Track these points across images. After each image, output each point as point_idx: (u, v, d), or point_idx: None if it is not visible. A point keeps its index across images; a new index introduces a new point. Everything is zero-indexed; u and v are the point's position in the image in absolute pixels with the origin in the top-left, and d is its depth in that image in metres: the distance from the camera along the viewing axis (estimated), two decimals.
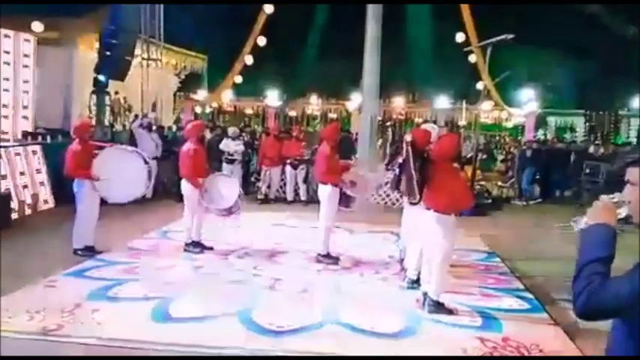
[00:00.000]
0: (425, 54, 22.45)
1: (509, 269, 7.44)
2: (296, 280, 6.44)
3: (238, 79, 26.17)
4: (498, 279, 6.91)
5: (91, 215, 7.16)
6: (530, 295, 6.27)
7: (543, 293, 6.46)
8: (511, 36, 13.83)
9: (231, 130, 12.60)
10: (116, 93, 15.77)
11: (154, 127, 12.87)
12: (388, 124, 26.65)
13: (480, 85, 19.87)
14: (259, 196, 12.41)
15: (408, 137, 5.68)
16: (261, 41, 24.30)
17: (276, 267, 7.02)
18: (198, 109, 26.38)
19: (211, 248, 7.48)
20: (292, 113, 27.93)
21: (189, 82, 23.99)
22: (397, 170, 6.01)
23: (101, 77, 12.30)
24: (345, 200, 7.23)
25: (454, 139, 5.50)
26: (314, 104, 28.13)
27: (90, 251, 7.13)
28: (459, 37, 20.70)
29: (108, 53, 11.79)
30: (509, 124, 27.46)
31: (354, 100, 22.73)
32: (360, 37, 13.84)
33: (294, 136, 13.26)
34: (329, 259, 7.19)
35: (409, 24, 22.43)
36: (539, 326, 5.36)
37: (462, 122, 24.47)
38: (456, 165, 5.85)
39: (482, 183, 15.55)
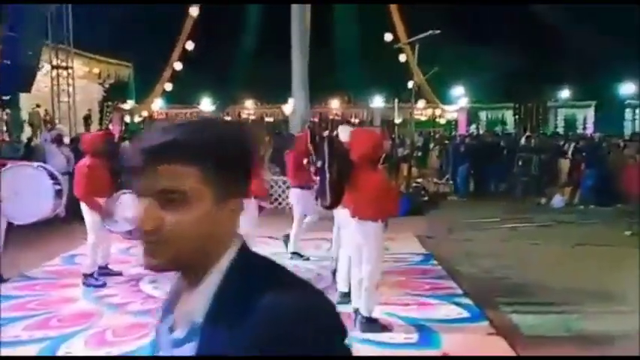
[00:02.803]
0: (353, 55, 22.25)
1: (446, 272, 6.99)
2: None
3: (168, 87, 25.25)
4: (435, 285, 6.43)
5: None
6: (469, 302, 5.80)
7: (483, 296, 6.03)
8: (437, 31, 13.70)
9: None
10: (37, 106, 14.61)
11: (66, 140, 11.83)
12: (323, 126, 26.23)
13: (411, 84, 19.75)
14: None
15: (325, 133, 5.13)
16: (190, 45, 23.48)
17: None
18: (127, 119, 25.31)
19: (120, 273, 6.62)
20: (227, 118, 27.20)
21: (115, 91, 22.86)
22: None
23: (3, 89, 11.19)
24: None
25: (374, 137, 4.95)
26: (249, 108, 27.52)
27: None
28: (388, 37, 20.52)
29: (7, 62, 10.69)
30: (443, 121, 27.71)
31: (291, 104, 22.27)
32: None
33: None
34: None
35: (336, 25, 22.18)
36: (479, 337, 4.89)
37: (398, 120, 24.45)
38: (380, 166, 5.32)
39: (419, 180, 15.32)
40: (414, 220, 10.67)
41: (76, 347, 4.67)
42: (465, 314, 5.45)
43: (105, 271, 6.57)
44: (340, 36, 22.44)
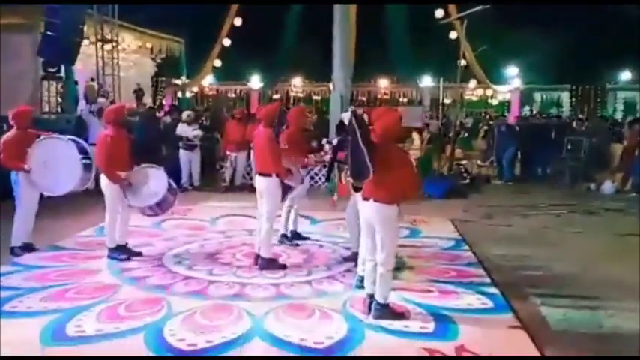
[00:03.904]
0: (402, 32, 21.65)
1: (476, 259, 6.68)
2: (229, 284, 5.63)
3: (217, 63, 25.34)
4: (462, 272, 6.14)
5: (28, 210, 6.55)
6: (495, 291, 5.51)
7: (511, 285, 5.72)
8: (487, 6, 13.13)
9: (185, 115, 11.73)
10: (92, 80, 14.85)
11: None
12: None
13: (460, 63, 19.13)
14: (223, 184, 11.62)
15: (350, 109, 4.90)
16: (238, 22, 23.39)
17: (214, 268, 6.18)
18: (179, 95, 25.62)
19: (139, 254, 6.56)
20: (276, 96, 27.15)
21: (166, 67, 23.06)
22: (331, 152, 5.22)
23: (46, 60, 11.34)
24: (284, 190, 6.45)
25: (396, 115, 4.68)
26: (297, 86, 27.36)
27: (28, 249, 6.58)
28: (438, 13, 19.80)
29: (50, 34, 10.83)
30: (495, 102, 26.80)
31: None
32: None
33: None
34: (273, 263, 6.23)
35: (386, 2, 21.60)
36: (500, 331, 4.60)
37: (447, 100, 23.77)
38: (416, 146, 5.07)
39: (464, 162, 14.87)
40: (452, 204, 10.36)
41: (86, 321, 4.66)
42: (489, 304, 5.17)
43: (124, 251, 6.49)
44: (390, 13, 21.84)
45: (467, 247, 7.20)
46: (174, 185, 6.62)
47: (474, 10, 13.69)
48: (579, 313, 5.12)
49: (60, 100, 13.13)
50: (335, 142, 6.19)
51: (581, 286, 5.78)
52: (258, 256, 6.23)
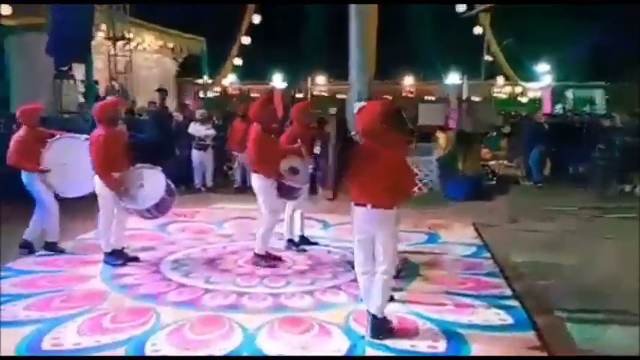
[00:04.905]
0: (426, 29, 21.07)
1: (498, 267, 6.15)
2: (225, 293, 5.23)
3: (238, 62, 25.13)
4: (481, 282, 5.62)
5: (50, 209, 6.44)
6: (516, 304, 5.00)
7: (536, 300, 5.20)
8: None
9: (198, 113, 11.41)
10: (112, 79, 14.70)
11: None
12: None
13: (487, 58, 18.53)
14: (235, 185, 11.26)
15: (332, 110, 4.45)
16: (256, 19, 23.11)
17: (212, 275, 5.78)
18: (202, 94, 25.48)
19: (136, 259, 6.22)
20: (299, 95, 26.82)
21: (188, 66, 22.92)
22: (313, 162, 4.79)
23: (54, 58, 11.12)
24: (286, 191, 6.03)
25: (375, 108, 4.16)
26: (321, 85, 26.99)
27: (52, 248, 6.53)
28: (460, 8, 19.15)
29: (57, 32, 10.59)
30: (525, 99, 25.99)
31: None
32: None
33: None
34: (266, 260, 5.98)
35: None
36: (519, 351, 4.11)
37: (476, 98, 23.08)
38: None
39: (492, 162, 14.28)
40: (476, 206, 9.80)
41: (66, 333, 4.31)
42: (509, 320, 4.65)
43: (120, 256, 6.15)
44: (412, 9, 21.29)
45: (488, 255, 6.66)
46: (172, 186, 6.24)
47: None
48: (610, 330, 4.58)
49: (82, 99, 12.98)
50: (317, 150, 5.72)
51: (613, 300, 5.21)
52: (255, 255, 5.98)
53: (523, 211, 9.30)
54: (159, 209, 6.10)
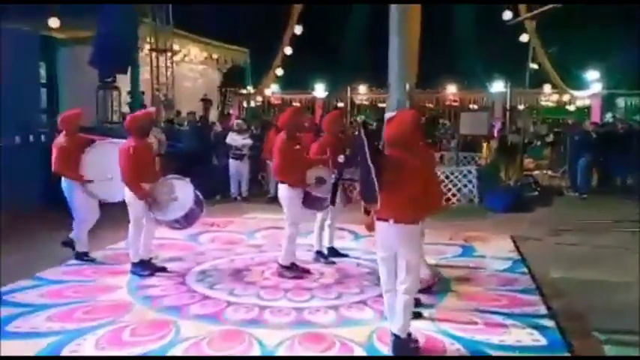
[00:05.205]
0: (471, 36, 20.66)
1: (534, 284, 5.85)
2: (248, 307, 5.12)
3: (280, 72, 25.29)
4: (516, 299, 5.35)
5: (85, 216, 6.56)
6: (551, 324, 4.72)
7: (573, 319, 4.90)
8: (559, 5, 12.15)
9: (236, 123, 11.44)
10: (157, 90, 14.97)
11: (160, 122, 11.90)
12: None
13: (529, 66, 18.02)
14: (269, 195, 11.21)
15: (360, 118, 4.31)
16: (298, 30, 23.20)
17: (236, 287, 5.70)
18: (245, 104, 25.73)
19: (164, 269, 6.20)
20: (340, 104, 26.74)
21: (232, 77, 23.21)
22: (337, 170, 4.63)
23: (97, 70, 11.35)
24: (312, 201, 5.91)
25: (405, 117, 4.00)
26: (362, 94, 26.85)
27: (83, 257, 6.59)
28: (507, 15, 18.64)
29: (101, 43, 10.81)
30: (573, 108, 25.17)
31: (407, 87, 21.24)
32: None
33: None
34: (291, 271, 5.88)
35: (453, 5, 20.69)
36: None
37: (521, 107, 22.49)
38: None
39: (536, 172, 13.84)
40: (516, 218, 9.47)
41: (85, 345, 4.29)
42: (542, 341, 4.39)
43: (147, 267, 6.13)
44: (457, 15, 20.92)
45: (525, 270, 6.37)
46: (201, 197, 6.19)
47: (545, 8, 12.75)
48: None
49: (128, 109, 13.22)
50: (342, 158, 5.56)
51: None
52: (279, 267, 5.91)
53: (565, 223, 8.92)
54: (187, 220, 6.06)
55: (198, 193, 6.16)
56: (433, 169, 4.23)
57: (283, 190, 5.92)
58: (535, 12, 12.41)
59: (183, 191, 6.05)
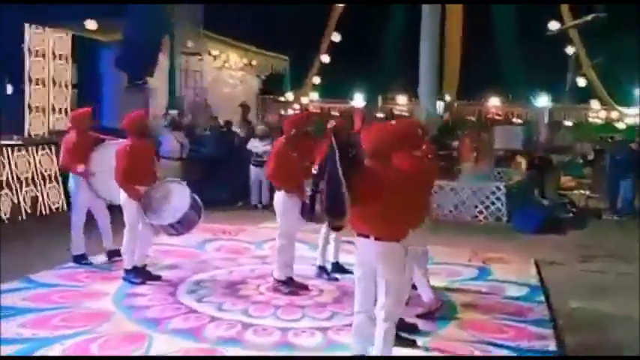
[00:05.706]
0: (513, 47, 19.91)
1: (550, 315, 5.35)
2: (231, 324, 4.81)
3: (316, 80, 25.17)
4: (524, 332, 4.87)
5: (78, 217, 6.49)
6: None
7: (585, 358, 4.41)
8: (602, 14, 11.52)
9: (259, 129, 11.23)
10: (196, 95, 14.97)
11: (182, 125, 11.79)
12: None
13: (572, 79, 17.22)
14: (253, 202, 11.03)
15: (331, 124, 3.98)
16: (336, 37, 22.98)
17: (225, 301, 5.40)
18: (282, 112, 25.68)
19: (158, 277, 5.96)
20: (380, 114, 26.40)
21: (271, 84, 23.20)
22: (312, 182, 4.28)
23: (124, 72, 11.35)
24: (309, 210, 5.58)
25: (386, 126, 3.65)
26: (401, 104, 26.46)
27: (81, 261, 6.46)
28: (553, 25, 17.82)
29: (126, 46, 10.79)
30: (622, 125, 24.05)
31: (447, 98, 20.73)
32: None
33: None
34: (287, 286, 5.56)
35: (494, 15, 20.01)
36: None
37: (568, 123, 21.61)
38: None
39: (574, 192, 13.09)
40: (545, 240, 8.88)
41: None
42: None
43: (140, 274, 5.90)
44: (499, 26, 20.23)
45: (542, 298, 5.86)
46: (199, 202, 5.95)
47: (588, 17, 12.12)
48: None
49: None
50: (315, 169, 5.13)
51: None
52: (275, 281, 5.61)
53: (597, 249, 8.29)
54: (183, 225, 5.81)
55: (197, 198, 5.92)
56: (424, 183, 3.84)
57: (279, 197, 5.66)
58: (578, 21, 11.76)
59: (179, 195, 5.82)
